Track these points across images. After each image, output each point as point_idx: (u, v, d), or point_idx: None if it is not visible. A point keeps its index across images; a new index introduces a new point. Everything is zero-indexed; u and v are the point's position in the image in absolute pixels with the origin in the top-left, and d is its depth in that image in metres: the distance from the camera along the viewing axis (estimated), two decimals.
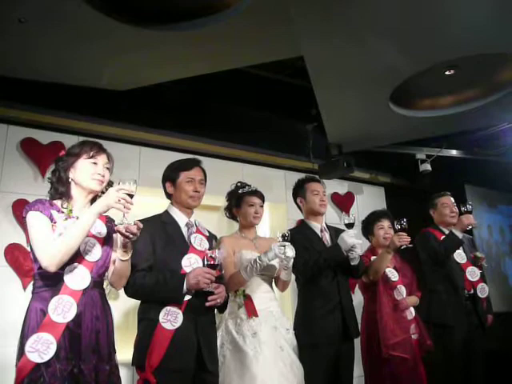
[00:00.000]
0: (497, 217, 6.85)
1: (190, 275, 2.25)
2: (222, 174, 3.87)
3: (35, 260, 1.96)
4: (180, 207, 2.51)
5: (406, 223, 3.17)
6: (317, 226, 3.16)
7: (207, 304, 2.29)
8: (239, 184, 3.00)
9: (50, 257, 1.87)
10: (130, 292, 2.30)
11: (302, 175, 3.38)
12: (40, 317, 1.89)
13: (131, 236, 1.96)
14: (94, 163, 2.07)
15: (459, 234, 3.48)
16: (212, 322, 2.46)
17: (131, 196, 1.93)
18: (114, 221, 2.20)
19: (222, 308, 2.53)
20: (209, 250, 2.40)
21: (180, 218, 2.49)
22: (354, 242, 2.84)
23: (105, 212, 1.98)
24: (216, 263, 2.27)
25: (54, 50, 3.22)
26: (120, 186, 1.92)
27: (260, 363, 2.49)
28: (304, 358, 2.71)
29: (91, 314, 1.97)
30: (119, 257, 2.06)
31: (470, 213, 3.49)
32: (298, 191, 3.24)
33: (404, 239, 3.13)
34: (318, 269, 2.92)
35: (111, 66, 3.49)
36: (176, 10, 2.90)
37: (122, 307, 3.68)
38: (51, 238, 1.92)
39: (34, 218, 1.95)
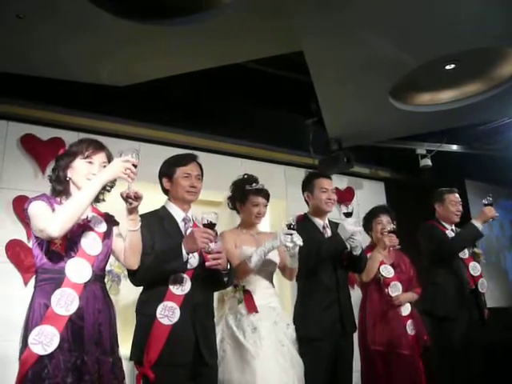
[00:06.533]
0: (497, 211, 6.81)
1: (187, 237, 2.25)
2: (221, 170, 3.88)
3: (37, 255, 1.98)
4: (177, 202, 2.51)
5: (395, 226, 3.36)
6: (320, 222, 3.14)
7: (207, 264, 2.25)
8: (246, 177, 2.95)
9: (53, 221, 1.87)
10: (138, 280, 2.29)
11: (301, 170, 3.39)
12: (43, 310, 1.90)
13: (130, 200, 1.99)
14: (90, 162, 2.08)
15: (480, 226, 3.45)
16: (210, 316, 2.46)
17: (135, 167, 1.97)
18: (113, 217, 2.23)
19: (225, 280, 2.41)
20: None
21: (177, 213, 2.49)
22: (354, 229, 2.83)
23: (110, 181, 2.01)
24: (213, 223, 2.23)
25: (54, 46, 3.22)
26: (126, 158, 1.95)
27: (260, 358, 2.50)
28: (302, 352, 2.73)
29: (93, 307, 1.99)
30: (128, 227, 2.10)
31: (491, 205, 3.49)
32: (307, 185, 3.20)
33: (393, 241, 3.28)
34: (321, 260, 2.91)
35: (110, 62, 3.49)
36: (174, 4, 2.88)
37: (122, 302, 3.69)
38: None
39: (37, 205, 1.96)
